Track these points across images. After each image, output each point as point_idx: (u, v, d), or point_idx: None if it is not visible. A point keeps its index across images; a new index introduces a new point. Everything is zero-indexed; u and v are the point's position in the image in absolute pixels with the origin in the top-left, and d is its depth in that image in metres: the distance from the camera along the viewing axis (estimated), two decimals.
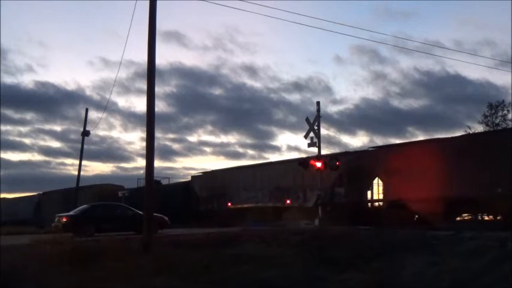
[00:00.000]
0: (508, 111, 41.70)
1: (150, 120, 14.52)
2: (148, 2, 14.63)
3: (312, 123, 23.13)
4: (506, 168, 18.76)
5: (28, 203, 49.08)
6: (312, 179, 25.68)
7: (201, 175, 37.31)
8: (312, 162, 23.03)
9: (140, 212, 18.65)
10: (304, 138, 23.38)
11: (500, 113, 41.91)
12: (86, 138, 34.37)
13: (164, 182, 38.34)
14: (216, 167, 39.14)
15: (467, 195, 19.82)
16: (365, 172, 25.00)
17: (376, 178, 24.83)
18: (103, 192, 36.96)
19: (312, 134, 23.15)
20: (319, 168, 22.67)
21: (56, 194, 44.73)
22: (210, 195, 34.10)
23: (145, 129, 14.62)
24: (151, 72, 14.67)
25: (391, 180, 23.55)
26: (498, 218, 20.09)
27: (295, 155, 70.90)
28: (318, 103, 23.51)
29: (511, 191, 18.30)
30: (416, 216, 21.86)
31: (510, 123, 41.10)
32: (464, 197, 19.93)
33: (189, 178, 38.24)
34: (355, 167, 25.62)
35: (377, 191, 24.96)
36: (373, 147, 28.21)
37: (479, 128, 41.88)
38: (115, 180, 47.02)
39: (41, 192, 48.88)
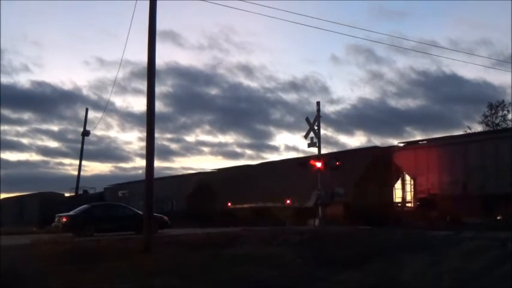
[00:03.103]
0: (508, 111, 41.76)
1: (150, 120, 14.44)
2: (147, 2, 14.61)
3: (312, 123, 23.14)
4: None
5: None
6: (185, 189, 36.83)
7: (111, 187, 42.85)
8: (312, 162, 23.11)
9: (140, 212, 18.64)
10: (304, 138, 23.47)
11: (500, 113, 41.96)
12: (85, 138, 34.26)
13: (91, 191, 43.71)
14: (215, 167, 40.89)
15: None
16: (210, 188, 34.75)
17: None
18: (44, 199, 39.08)
19: (311, 134, 23.19)
20: (319, 168, 22.70)
21: (10, 200, 45.93)
22: None
23: (142, 129, 14.86)
24: (151, 72, 14.62)
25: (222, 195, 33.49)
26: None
27: (293, 155, 71.01)
28: (318, 103, 23.56)
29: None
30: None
31: (510, 123, 41.16)
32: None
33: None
34: (203, 185, 35.68)
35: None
36: (214, 169, 39.14)
37: (478, 128, 41.95)
38: (114, 180, 47.34)
39: None
